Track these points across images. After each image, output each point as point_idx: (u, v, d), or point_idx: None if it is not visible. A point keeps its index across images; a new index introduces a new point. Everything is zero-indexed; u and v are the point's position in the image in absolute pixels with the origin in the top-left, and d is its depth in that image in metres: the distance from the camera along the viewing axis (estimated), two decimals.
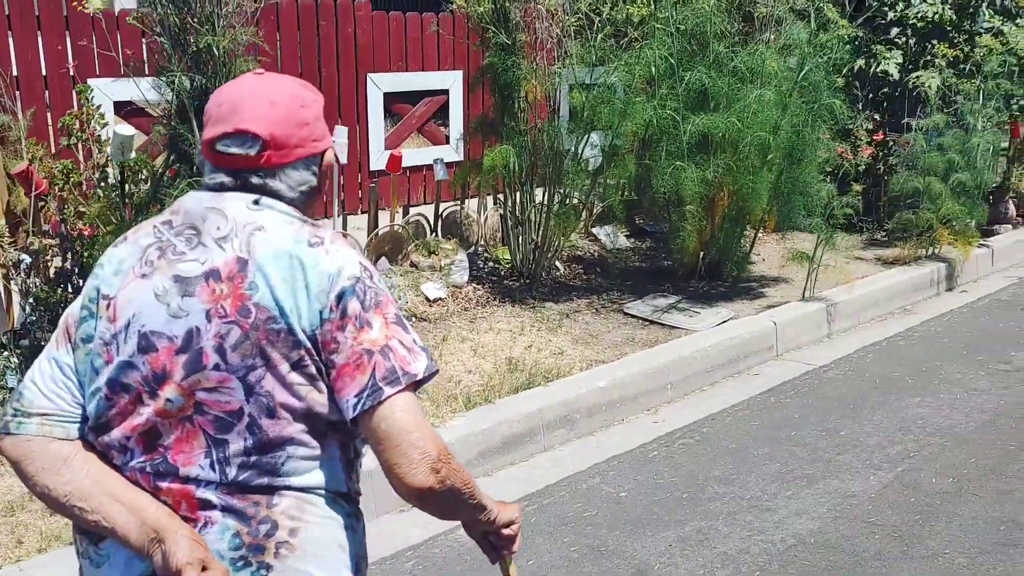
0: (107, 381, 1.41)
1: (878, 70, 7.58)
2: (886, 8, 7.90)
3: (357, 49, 7.43)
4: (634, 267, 6.68)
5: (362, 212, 6.72)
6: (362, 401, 1.36)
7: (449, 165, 6.60)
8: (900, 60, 7.58)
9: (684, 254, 5.99)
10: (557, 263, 6.36)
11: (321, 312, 1.38)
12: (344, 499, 1.47)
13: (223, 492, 1.38)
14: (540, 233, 5.96)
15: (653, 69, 5.58)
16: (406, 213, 6.21)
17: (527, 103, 5.78)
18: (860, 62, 7.66)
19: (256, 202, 1.44)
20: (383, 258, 5.92)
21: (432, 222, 6.25)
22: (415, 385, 1.40)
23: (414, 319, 5.32)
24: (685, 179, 5.53)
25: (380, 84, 6.96)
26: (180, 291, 1.39)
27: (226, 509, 1.38)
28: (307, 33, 7.11)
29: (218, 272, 1.39)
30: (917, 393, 4.78)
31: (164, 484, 1.39)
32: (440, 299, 5.55)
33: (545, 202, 5.88)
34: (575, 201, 6.19)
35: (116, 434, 1.41)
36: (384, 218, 6.09)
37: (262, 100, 1.44)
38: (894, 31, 7.94)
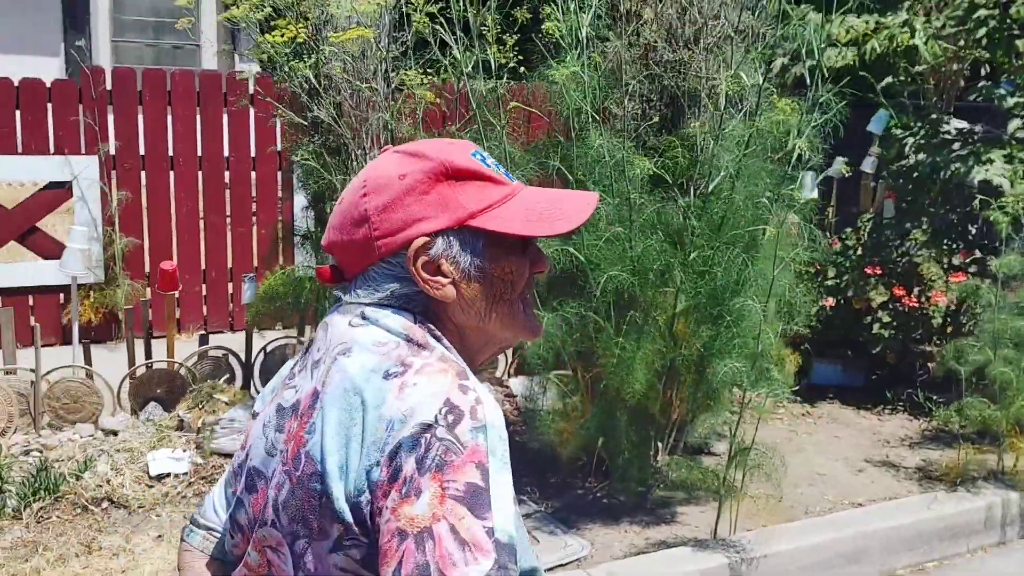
0: (229, 516, 1.20)
1: (973, 177, 5.16)
2: (1005, 95, 5.45)
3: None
4: (541, 441, 4.69)
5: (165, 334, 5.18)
6: None
7: None
8: (1006, 167, 5.11)
9: (550, 441, 3.97)
10: None
11: (369, 472, 0.97)
12: None
13: None
14: None
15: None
16: (204, 341, 4.62)
17: None
18: (957, 166, 5.28)
19: (364, 316, 1.08)
20: (154, 404, 4.41)
21: (244, 358, 4.63)
22: None
23: (107, 503, 3.74)
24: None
25: None
26: (276, 424, 1.12)
27: None
28: None
29: (299, 405, 1.09)
30: None
31: None
32: (170, 475, 3.92)
33: None
34: None
35: None
36: (161, 349, 4.56)
37: (341, 198, 1.13)
38: (1014, 124, 5.47)
